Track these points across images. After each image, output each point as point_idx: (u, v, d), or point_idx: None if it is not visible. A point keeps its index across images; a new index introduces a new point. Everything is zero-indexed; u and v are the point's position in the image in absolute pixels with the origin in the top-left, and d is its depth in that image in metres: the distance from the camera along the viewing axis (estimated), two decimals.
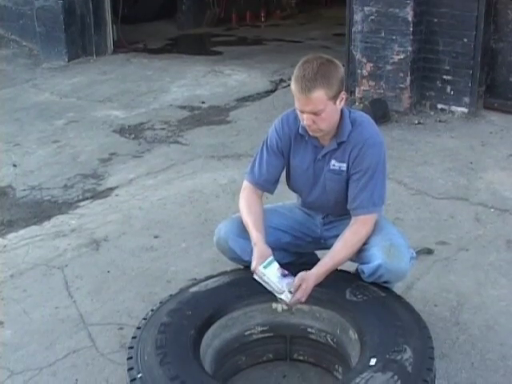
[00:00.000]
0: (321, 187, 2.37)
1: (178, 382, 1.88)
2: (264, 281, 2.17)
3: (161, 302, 2.31)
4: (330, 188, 2.35)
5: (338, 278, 2.33)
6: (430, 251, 3.17)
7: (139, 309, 2.74)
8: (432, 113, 5.23)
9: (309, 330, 2.34)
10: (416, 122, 5.09)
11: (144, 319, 2.21)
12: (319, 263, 2.25)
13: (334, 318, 2.27)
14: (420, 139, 4.74)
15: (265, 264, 2.16)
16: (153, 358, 1.98)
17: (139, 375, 1.92)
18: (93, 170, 4.43)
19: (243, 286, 2.33)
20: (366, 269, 2.28)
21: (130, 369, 1.97)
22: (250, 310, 2.32)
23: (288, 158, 2.38)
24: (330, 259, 2.24)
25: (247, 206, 2.37)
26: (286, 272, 2.20)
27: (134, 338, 2.12)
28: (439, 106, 5.23)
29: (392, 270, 2.25)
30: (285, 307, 2.25)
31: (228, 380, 2.32)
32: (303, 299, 2.18)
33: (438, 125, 5.02)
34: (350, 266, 2.46)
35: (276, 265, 2.20)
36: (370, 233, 2.27)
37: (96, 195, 4.02)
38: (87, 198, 3.99)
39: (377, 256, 2.24)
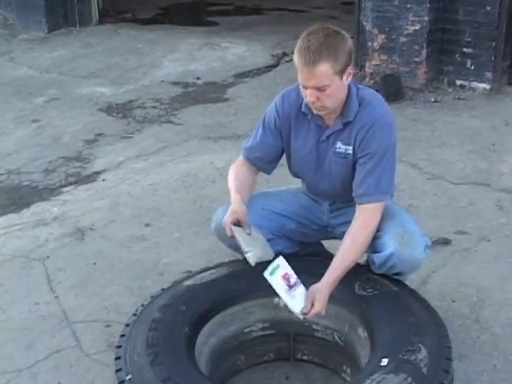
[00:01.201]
0: (325, 172, 2.37)
1: (170, 382, 1.88)
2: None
3: (152, 297, 2.31)
4: (336, 172, 2.34)
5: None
6: (447, 241, 3.17)
7: (128, 304, 2.75)
8: (450, 90, 5.21)
9: (314, 327, 2.34)
10: (432, 99, 5.07)
11: (134, 315, 2.21)
12: (329, 269, 2.20)
13: (342, 314, 2.27)
14: (437, 119, 4.73)
15: (270, 270, 2.13)
16: (143, 358, 1.98)
17: (128, 377, 1.92)
18: (77, 152, 4.42)
19: (242, 279, 2.33)
20: (377, 258, 2.28)
21: (118, 370, 1.97)
22: (249, 305, 2.32)
23: (288, 139, 2.37)
24: (340, 262, 2.21)
25: (234, 173, 2.42)
26: (292, 280, 2.16)
27: (122, 336, 2.12)
28: (458, 82, 5.21)
29: (405, 260, 2.25)
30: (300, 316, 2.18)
31: (225, 382, 2.32)
32: (323, 312, 2.15)
33: (457, 103, 5.01)
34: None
35: (281, 271, 2.15)
36: (376, 226, 2.25)
37: (80, 180, 4.02)
38: (71, 183, 3.98)
39: (388, 244, 2.24)
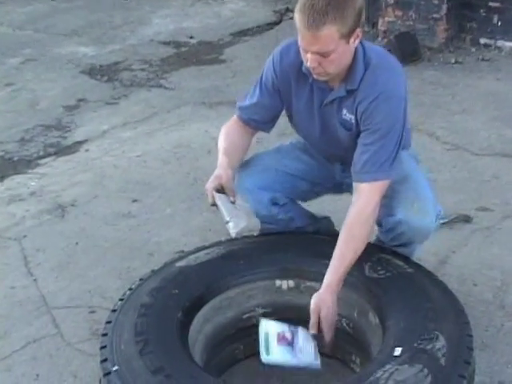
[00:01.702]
0: (331, 137, 2.35)
1: (161, 375, 1.88)
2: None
3: (141, 280, 2.31)
4: (343, 140, 2.33)
5: None
6: (468, 219, 3.17)
7: (114, 288, 2.76)
8: (473, 49, 5.18)
9: None
10: (453, 60, 5.05)
11: (120, 300, 2.22)
12: (328, 271, 2.17)
13: (351, 299, 2.27)
14: (458, 82, 4.71)
15: (263, 350, 2.06)
16: (131, 347, 1.98)
17: (115, 368, 1.93)
18: (56, 119, 4.41)
19: (241, 260, 2.33)
20: (385, 222, 2.29)
21: (104, 360, 1.97)
22: (249, 289, 2.32)
23: (288, 99, 2.35)
24: (338, 261, 2.17)
25: (225, 133, 2.43)
26: (289, 335, 2.11)
27: (108, 322, 2.13)
28: (482, 40, 5.18)
29: (415, 228, 2.27)
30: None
31: (223, 373, 2.33)
32: (331, 333, 2.14)
33: (481, 64, 4.98)
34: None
35: (273, 337, 2.10)
36: (377, 209, 2.21)
37: (61, 151, 4.02)
38: (50, 155, 3.98)
39: (398, 210, 2.25)
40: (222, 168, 2.29)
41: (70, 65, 5.28)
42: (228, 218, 2.18)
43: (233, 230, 2.18)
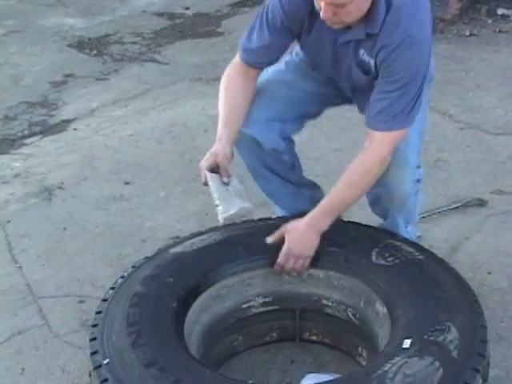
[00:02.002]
0: (344, 74, 2.33)
1: (155, 368, 1.88)
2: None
3: (133, 267, 2.32)
4: (357, 81, 2.31)
5: (361, 235, 2.34)
6: (482, 203, 3.18)
7: (105, 276, 2.77)
8: (489, 20, 5.16)
9: (324, 302, 2.35)
10: (467, 33, 5.03)
11: (112, 289, 2.22)
12: (315, 208, 2.26)
13: (357, 287, 2.28)
14: (472, 56, 4.70)
15: None
16: (123, 339, 1.98)
17: (106, 361, 1.93)
18: (42, 96, 4.40)
19: (240, 246, 2.33)
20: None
21: (94, 353, 1.98)
22: (248, 277, 2.32)
23: (299, 34, 2.31)
24: (329, 200, 2.26)
25: (226, 90, 2.37)
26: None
27: (98, 312, 2.13)
28: (500, 11, 5.16)
29: (387, 184, 2.30)
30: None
31: (220, 366, 2.34)
32: (290, 265, 2.24)
33: (498, 36, 4.97)
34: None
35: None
36: (389, 159, 2.22)
37: (47, 130, 4.01)
38: (35, 134, 3.98)
39: None
40: (220, 143, 2.26)
41: (56, 37, 5.26)
42: (218, 202, 2.16)
43: (221, 214, 2.16)
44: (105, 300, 2.18)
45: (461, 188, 3.00)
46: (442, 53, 4.72)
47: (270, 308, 2.38)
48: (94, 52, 5.02)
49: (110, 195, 3.36)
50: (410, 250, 2.29)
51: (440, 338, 1.94)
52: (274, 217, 2.61)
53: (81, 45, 5.14)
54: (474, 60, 4.64)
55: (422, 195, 2.51)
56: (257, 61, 2.38)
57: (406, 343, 1.93)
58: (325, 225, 2.25)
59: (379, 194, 2.38)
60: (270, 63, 2.41)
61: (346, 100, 2.52)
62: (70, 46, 5.13)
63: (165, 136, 3.86)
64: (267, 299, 2.36)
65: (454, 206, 3.14)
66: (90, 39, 5.22)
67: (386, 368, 1.86)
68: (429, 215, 3.03)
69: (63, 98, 4.37)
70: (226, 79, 2.40)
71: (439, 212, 3.09)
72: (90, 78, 4.63)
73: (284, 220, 2.37)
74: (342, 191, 2.25)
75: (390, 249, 2.29)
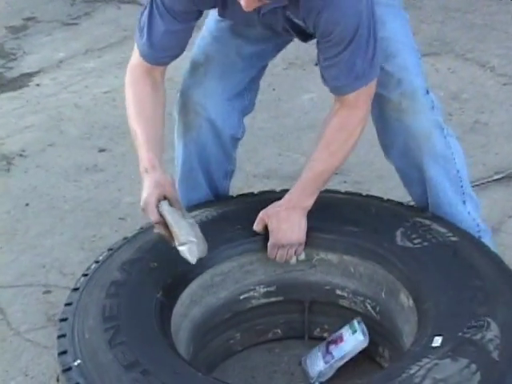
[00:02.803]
0: (285, 35, 2.37)
1: (137, 371, 1.86)
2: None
3: (110, 250, 2.31)
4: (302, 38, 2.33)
5: (383, 212, 2.35)
6: None
7: (76, 261, 2.78)
8: None
9: (338, 292, 2.37)
10: None
11: (84, 276, 2.21)
12: (293, 186, 2.31)
13: (378, 275, 2.29)
14: None
15: None
16: (98, 336, 1.97)
17: (77, 362, 1.91)
18: None
19: (237, 224, 2.34)
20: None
21: (63, 353, 1.96)
22: (247, 262, 2.33)
23: (211, 9, 2.35)
24: (308, 175, 2.30)
25: (136, 103, 2.34)
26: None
27: (68, 304, 2.12)
28: None
29: (409, 132, 2.36)
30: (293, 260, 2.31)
31: (214, 368, 2.35)
32: (282, 257, 2.27)
33: None
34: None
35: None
36: (368, 115, 2.30)
37: (4, 85, 4.01)
38: None
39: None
40: (156, 172, 2.20)
41: None
42: (183, 239, 2.10)
43: (192, 254, 2.11)
44: (76, 289, 2.16)
45: (504, 156, 2.98)
46: None
47: (273, 299, 2.39)
48: None
49: (82, 165, 3.36)
50: (442, 230, 2.29)
51: (477, 336, 1.92)
52: (278, 190, 2.61)
53: None
54: None
55: (457, 143, 2.50)
56: (161, 55, 2.34)
57: (437, 341, 1.93)
58: (308, 202, 2.29)
59: (399, 146, 2.40)
60: (178, 54, 2.37)
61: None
62: None
63: None
64: (270, 289, 2.37)
65: (496, 177, 3.14)
66: None
67: (411, 371, 1.84)
68: None
69: (24, 46, 4.35)
70: (130, 90, 2.36)
71: (477, 185, 3.08)
72: (56, 22, 4.61)
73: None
74: (322, 162, 2.29)
75: (418, 228, 2.29)
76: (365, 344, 2.25)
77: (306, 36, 2.27)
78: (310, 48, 2.33)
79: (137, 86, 2.36)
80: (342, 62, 2.18)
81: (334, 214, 2.31)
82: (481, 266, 2.17)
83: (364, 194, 2.49)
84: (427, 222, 2.33)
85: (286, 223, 2.27)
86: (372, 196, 2.49)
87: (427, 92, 2.39)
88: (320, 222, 2.32)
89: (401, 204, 2.47)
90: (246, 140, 2.59)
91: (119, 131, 3.57)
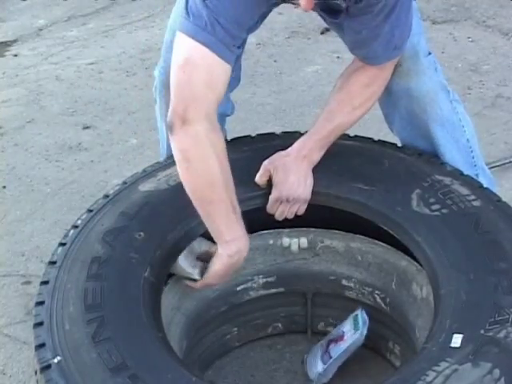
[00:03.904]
0: None
1: (124, 376, 1.78)
2: None
3: (90, 211, 2.23)
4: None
5: (397, 172, 2.25)
6: None
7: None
8: None
9: (344, 282, 2.37)
10: None
11: (61, 245, 2.14)
12: (310, 131, 2.31)
13: (388, 264, 2.30)
14: None
15: None
16: (80, 329, 1.89)
17: (56, 359, 1.84)
18: None
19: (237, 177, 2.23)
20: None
21: (41, 346, 1.88)
22: None
23: None
24: (326, 125, 2.30)
25: (215, 159, 2.06)
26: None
27: (44, 283, 2.04)
28: None
29: (413, 94, 2.37)
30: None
31: (210, 366, 2.37)
32: (282, 213, 2.24)
33: None
34: None
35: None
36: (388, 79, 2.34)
37: None
38: None
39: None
40: (244, 241, 2.12)
41: None
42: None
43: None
44: (53, 263, 2.09)
45: None
46: None
47: (273, 291, 2.40)
48: None
49: (65, 143, 3.37)
50: (466, 192, 2.20)
51: (501, 334, 1.80)
52: (278, 132, 2.56)
53: None
54: None
55: (465, 112, 2.51)
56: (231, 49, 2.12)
57: (456, 341, 1.82)
58: (318, 156, 2.29)
59: (402, 113, 2.44)
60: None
61: None
62: None
63: (136, 65, 3.86)
64: (270, 279, 2.38)
65: None
66: None
67: (428, 378, 1.74)
68: None
69: None
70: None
71: (498, 165, 3.09)
72: None
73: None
74: (343, 116, 2.30)
75: (437, 190, 2.20)
76: (362, 339, 2.26)
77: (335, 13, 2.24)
78: (314, 14, 2.33)
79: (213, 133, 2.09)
80: (382, 35, 2.20)
81: (340, 169, 2.28)
82: (506, 242, 2.03)
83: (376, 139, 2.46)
84: (447, 181, 2.23)
85: (294, 175, 2.24)
86: (387, 143, 2.44)
87: (429, 53, 2.42)
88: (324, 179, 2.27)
89: (418, 155, 2.38)
90: (244, 117, 2.60)
91: (106, 107, 3.58)
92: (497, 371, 1.73)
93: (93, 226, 2.17)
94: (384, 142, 2.43)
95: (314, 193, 2.24)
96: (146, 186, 2.28)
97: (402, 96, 2.40)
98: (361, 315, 2.27)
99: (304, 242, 2.34)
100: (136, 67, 3.83)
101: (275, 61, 3.46)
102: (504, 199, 2.65)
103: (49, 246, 2.82)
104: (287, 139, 2.34)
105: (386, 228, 2.19)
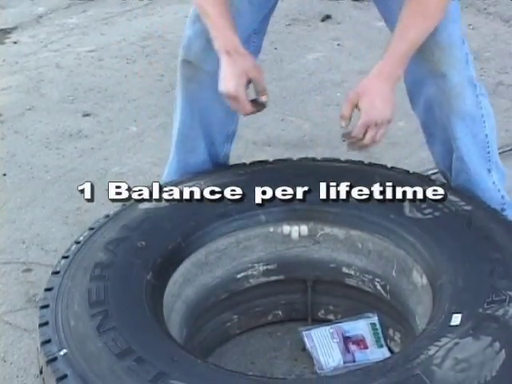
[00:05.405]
0: None
1: (130, 359, 1.84)
2: None
3: (91, 229, 2.28)
4: None
5: (389, 179, 2.35)
6: None
7: (59, 237, 2.80)
8: None
9: (344, 270, 2.37)
10: None
11: (64, 258, 2.19)
12: (385, 54, 2.28)
13: (388, 251, 2.29)
14: None
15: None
16: (85, 323, 1.95)
17: (63, 352, 1.89)
18: None
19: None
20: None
21: (46, 342, 1.93)
22: (245, 237, 2.33)
23: None
24: (403, 37, 2.27)
25: None
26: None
27: (48, 290, 2.09)
28: None
29: (440, 85, 2.36)
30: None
31: (210, 354, 2.37)
32: (370, 137, 2.24)
33: None
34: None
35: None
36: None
37: None
38: None
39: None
40: (238, 54, 2.25)
41: None
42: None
43: None
44: (56, 273, 2.14)
45: None
46: None
47: (273, 278, 2.40)
48: None
49: (65, 131, 3.37)
50: (455, 198, 2.31)
51: (499, 312, 1.92)
52: (271, 160, 2.60)
53: None
54: None
55: (489, 105, 2.52)
56: None
57: (456, 319, 1.91)
58: (400, 73, 2.29)
59: (426, 99, 2.43)
60: None
61: None
62: None
63: (137, 52, 3.86)
64: (270, 267, 2.38)
65: None
66: None
67: (430, 352, 1.82)
68: None
69: None
70: None
71: (499, 153, 3.08)
72: None
73: (295, 163, 2.42)
74: (418, 25, 2.27)
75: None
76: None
77: None
78: (315, 1, 2.33)
79: None
80: None
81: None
82: (498, 237, 2.18)
83: (369, 162, 2.50)
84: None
85: (380, 98, 2.25)
86: (377, 164, 2.50)
87: (463, 42, 2.40)
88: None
89: (406, 171, 2.48)
90: None
91: (106, 94, 3.57)
92: (497, 344, 1.83)
93: (94, 240, 2.23)
94: (373, 163, 2.53)
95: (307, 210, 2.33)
96: (146, 205, 2.35)
97: (429, 84, 2.39)
98: (379, 327, 2.32)
99: (304, 229, 2.33)
100: (136, 54, 3.83)
101: (276, 48, 3.46)
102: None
103: (49, 234, 2.83)
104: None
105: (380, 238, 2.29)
